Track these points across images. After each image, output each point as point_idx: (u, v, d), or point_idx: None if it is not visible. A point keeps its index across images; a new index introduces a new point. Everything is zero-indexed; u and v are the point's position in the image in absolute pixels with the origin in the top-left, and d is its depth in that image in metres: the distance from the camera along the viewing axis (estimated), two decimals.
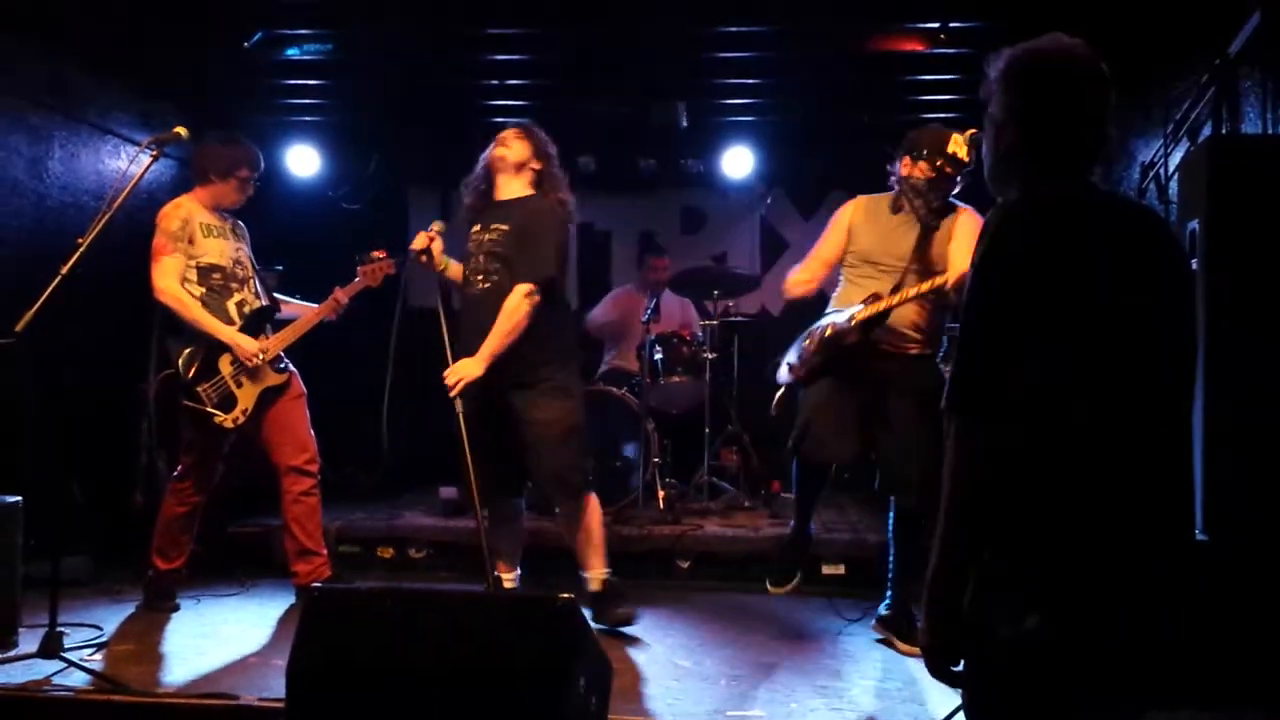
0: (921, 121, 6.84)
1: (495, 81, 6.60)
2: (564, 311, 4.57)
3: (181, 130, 4.21)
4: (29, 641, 3.87)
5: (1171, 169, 4.60)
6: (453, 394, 4.20)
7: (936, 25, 5.34)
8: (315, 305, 4.95)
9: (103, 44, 5.64)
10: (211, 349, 4.59)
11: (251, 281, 4.81)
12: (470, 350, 4.27)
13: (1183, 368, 1.91)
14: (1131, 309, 1.83)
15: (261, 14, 5.43)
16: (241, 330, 4.64)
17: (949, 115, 6.75)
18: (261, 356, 4.63)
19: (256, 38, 5.57)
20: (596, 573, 4.43)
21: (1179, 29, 4.83)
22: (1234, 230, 3.52)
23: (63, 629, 3.86)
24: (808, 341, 4.34)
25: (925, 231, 4.19)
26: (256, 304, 4.78)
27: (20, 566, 4.10)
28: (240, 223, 4.90)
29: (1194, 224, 3.62)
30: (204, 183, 4.74)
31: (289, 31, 5.71)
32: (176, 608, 4.74)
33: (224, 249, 4.71)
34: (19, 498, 4.16)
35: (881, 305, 4.07)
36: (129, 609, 4.67)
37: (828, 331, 4.24)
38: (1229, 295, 3.44)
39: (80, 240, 3.85)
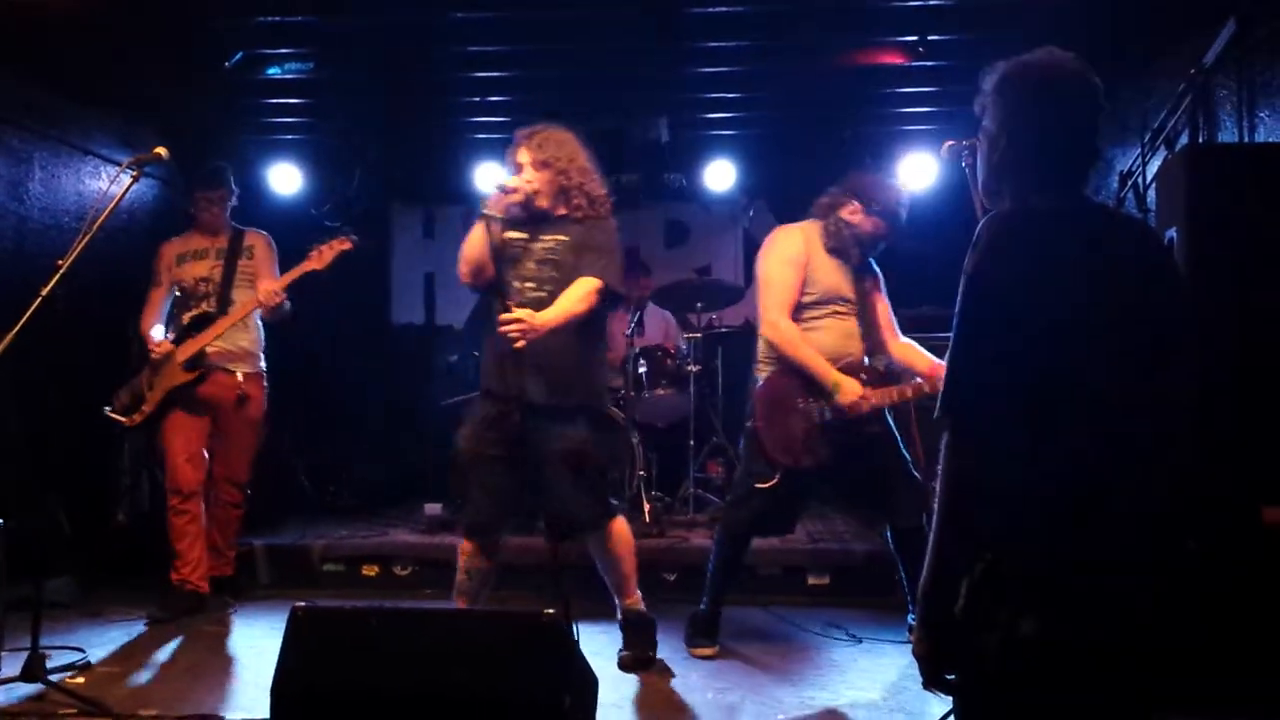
0: (901, 134, 6.94)
1: (477, 98, 6.60)
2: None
3: (162, 151, 4.19)
4: (11, 665, 3.83)
5: (1149, 177, 4.63)
6: (519, 345, 3.64)
7: (915, 39, 5.37)
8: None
9: (83, 65, 5.62)
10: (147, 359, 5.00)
11: (213, 297, 5.09)
12: (496, 361, 3.88)
13: (1178, 376, 1.91)
14: (1122, 322, 1.85)
15: (242, 34, 5.42)
16: (181, 334, 4.98)
17: (928, 128, 6.81)
18: (157, 352, 4.92)
19: (237, 57, 5.57)
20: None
21: (1155, 38, 4.87)
22: (1211, 237, 3.54)
23: (45, 651, 3.84)
24: (794, 428, 4.13)
25: (858, 273, 4.29)
26: (200, 312, 5.05)
27: (3, 589, 4.07)
28: (240, 235, 5.27)
29: (1172, 232, 3.65)
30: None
31: (269, 51, 5.71)
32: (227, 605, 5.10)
33: (196, 270, 5.14)
34: (0, 520, 4.12)
35: (896, 397, 4.09)
36: (112, 631, 4.64)
37: (823, 417, 4.11)
38: (1206, 302, 3.46)
39: (60, 262, 3.84)
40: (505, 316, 3.64)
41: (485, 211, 3.87)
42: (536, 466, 3.95)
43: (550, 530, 4.10)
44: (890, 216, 4.18)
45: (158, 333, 5.04)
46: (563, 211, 4.05)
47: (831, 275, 4.23)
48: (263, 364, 5.26)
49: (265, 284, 4.96)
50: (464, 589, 4.05)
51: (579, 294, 3.87)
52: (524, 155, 4.03)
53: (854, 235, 4.20)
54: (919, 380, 4.13)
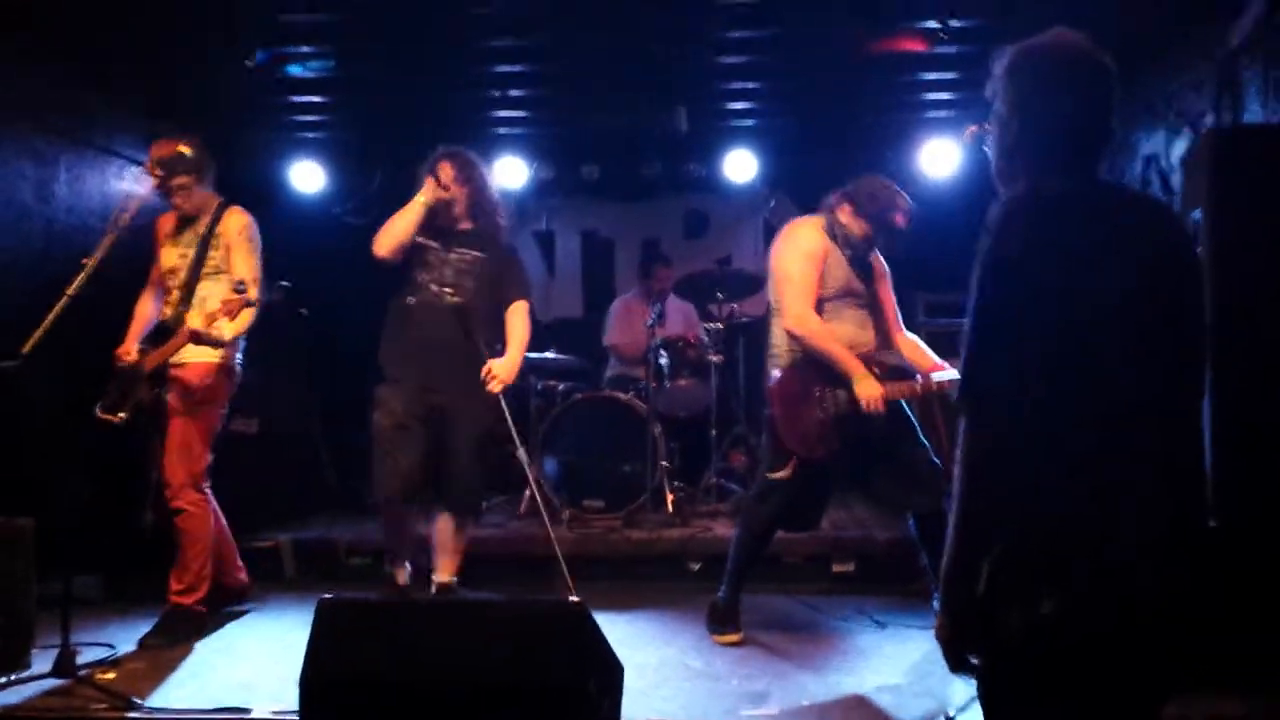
0: (923, 121, 6.90)
1: (498, 93, 6.61)
2: None
3: (185, 149, 4.23)
4: (42, 661, 3.87)
5: (1174, 160, 4.59)
6: (496, 388, 4.46)
7: (937, 24, 5.34)
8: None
9: (107, 66, 5.67)
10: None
11: (177, 292, 4.49)
12: (410, 353, 4.53)
13: (1191, 360, 1.91)
14: (1137, 303, 1.84)
15: (264, 33, 5.45)
16: (151, 338, 4.46)
17: (951, 114, 6.78)
18: (122, 360, 4.37)
19: (259, 56, 5.59)
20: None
21: (1181, 20, 4.83)
22: (1237, 220, 3.51)
23: (75, 647, 3.88)
24: (811, 417, 4.18)
25: (862, 269, 4.36)
26: (164, 319, 4.51)
27: (33, 587, 4.11)
28: (217, 219, 4.53)
29: (1197, 214, 3.62)
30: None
31: (292, 49, 5.74)
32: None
33: (168, 259, 4.56)
34: (30, 519, 4.16)
35: (908, 392, 4.21)
36: (140, 626, 4.64)
37: (838, 407, 4.17)
38: (1232, 285, 3.43)
39: (86, 260, 3.87)
40: (487, 376, 4.43)
41: (423, 198, 4.48)
42: (442, 448, 4.50)
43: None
44: (878, 222, 4.23)
45: (138, 325, 4.58)
46: (466, 226, 4.63)
47: (844, 269, 4.30)
48: (223, 358, 4.49)
49: (192, 319, 4.27)
50: (404, 554, 4.74)
51: (521, 321, 4.62)
52: (446, 171, 4.55)
53: (845, 236, 4.28)
54: (926, 378, 4.24)
